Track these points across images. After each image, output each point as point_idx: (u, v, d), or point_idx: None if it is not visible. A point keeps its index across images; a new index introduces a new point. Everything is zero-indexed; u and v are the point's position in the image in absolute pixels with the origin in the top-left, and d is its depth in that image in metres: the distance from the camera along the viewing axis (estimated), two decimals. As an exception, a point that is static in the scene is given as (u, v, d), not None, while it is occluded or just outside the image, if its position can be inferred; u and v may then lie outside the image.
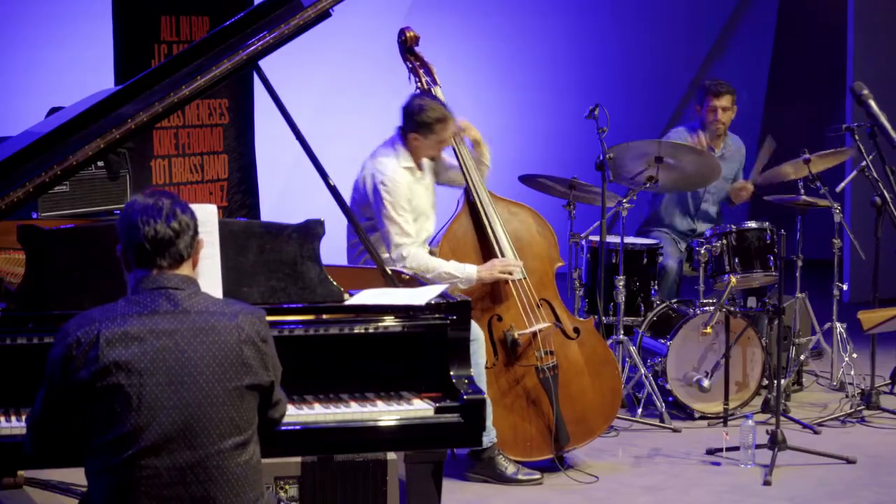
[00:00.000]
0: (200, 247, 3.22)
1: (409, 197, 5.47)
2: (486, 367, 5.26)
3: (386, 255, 5.42)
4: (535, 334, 5.40)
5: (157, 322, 3.05)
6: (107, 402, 2.99)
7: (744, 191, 7.03)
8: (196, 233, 3.18)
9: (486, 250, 5.46)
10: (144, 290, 3.10)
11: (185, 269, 3.16)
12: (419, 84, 5.64)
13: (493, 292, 5.47)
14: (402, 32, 5.69)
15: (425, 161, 5.62)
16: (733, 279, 6.22)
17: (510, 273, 5.38)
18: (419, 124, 5.45)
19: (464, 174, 5.53)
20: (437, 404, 3.84)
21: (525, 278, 5.45)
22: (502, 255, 5.44)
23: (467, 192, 5.53)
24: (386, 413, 3.79)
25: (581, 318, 5.80)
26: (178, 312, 3.07)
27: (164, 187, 6.90)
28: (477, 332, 5.22)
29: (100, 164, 5.75)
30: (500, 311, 5.45)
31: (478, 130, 5.68)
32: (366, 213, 5.52)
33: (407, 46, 5.68)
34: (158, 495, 3.00)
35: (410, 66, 5.68)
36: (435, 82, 5.64)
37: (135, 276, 3.14)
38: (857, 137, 6.14)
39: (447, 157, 5.71)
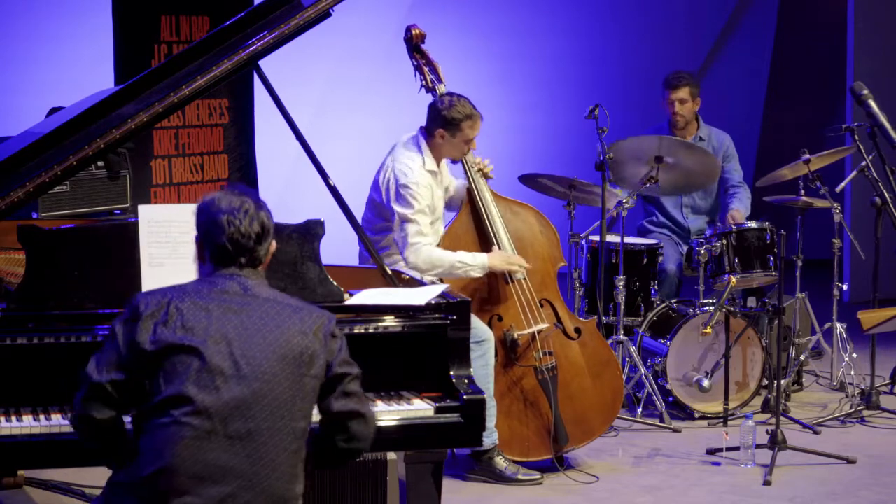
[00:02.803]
0: (273, 250, 3.27)
1: (431, 200, 5.42)
2: (486, 367, 5.26)
3: (395, 258, 5.40)
4: (534, 335, 5.40)
5: (225, 299, 3.11)
6: (168, 362, 3.04)
7: (731, 219, 6.82)
8: (271, 237, 3.25)
9: (487, 249, 5.44)
10: (217, 275, 3.17)
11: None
12: (424, 82, 5.61)
13: (494, 292, 5.46)
14: (408, 30, 5.66)
15: (442, 164, 5.56)
16: (733, 279, 6.21)
17: (516, 270, 5.38)
18: (447, 121, 5.37)
19: (466, 173, 5.51)
20: (437, 404, 3.84)
21: (525, 279, 5.45)
22: (503, 255, 5.43)
23: (469, 191, 5.51)
24: (386, 413, 3.79)
25: (583, 319, 5.80)
26: (248, 296, 3.14)
27: (165, 187, 6.91)
28: (487, 333, 5.21)
29: (100, 164, 5.75)
30: (500, 311, 5.44)
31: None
32: (384, 213, 5.45)
33: (413, 44, 5.64)
34: (202, 459, 3.01)
35: (416, 63, 5.64)
36: (440, 80, 5.59)
37: (209, 269, 3.20)
38: (857, 137, 6.13)
39: (451, 178, 5.67)
